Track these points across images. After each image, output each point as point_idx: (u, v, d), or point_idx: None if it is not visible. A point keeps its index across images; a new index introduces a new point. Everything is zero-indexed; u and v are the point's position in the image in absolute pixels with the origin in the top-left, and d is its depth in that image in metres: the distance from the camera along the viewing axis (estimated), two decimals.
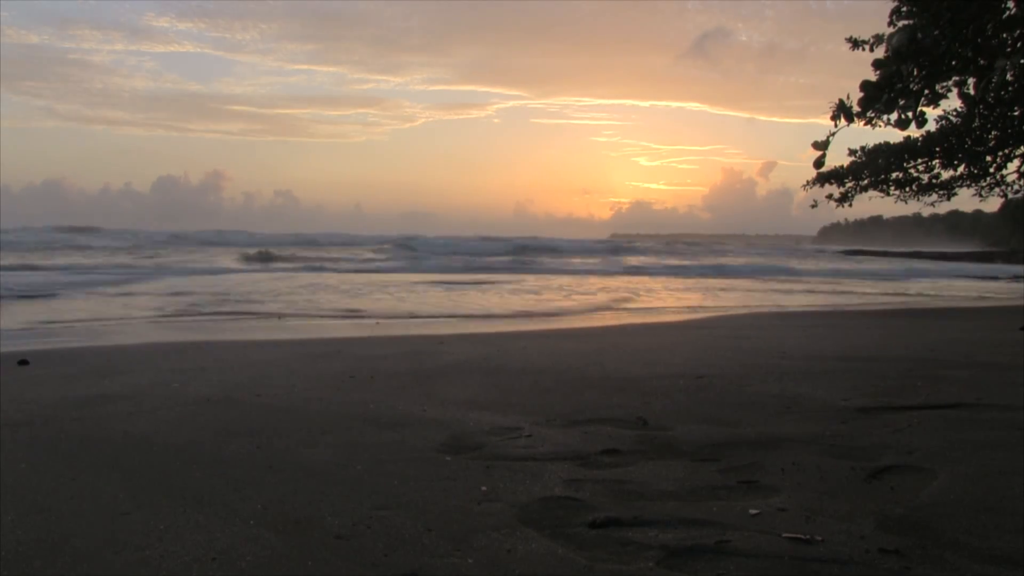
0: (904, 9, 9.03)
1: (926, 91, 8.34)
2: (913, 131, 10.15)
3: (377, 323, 11.21)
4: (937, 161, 12.62)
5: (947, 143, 11.88)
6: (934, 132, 11.74)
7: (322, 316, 12.26)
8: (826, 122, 7.93)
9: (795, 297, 19.00)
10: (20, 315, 11.41)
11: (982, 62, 7.82)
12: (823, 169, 10.69)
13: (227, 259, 31.40)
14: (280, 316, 11.93)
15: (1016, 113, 10.63)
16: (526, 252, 41.40)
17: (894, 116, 8.10)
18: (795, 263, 39.59)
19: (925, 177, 13.01)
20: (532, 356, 7.34)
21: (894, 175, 12.95)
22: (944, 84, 9.01)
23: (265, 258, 32.59)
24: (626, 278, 26.18)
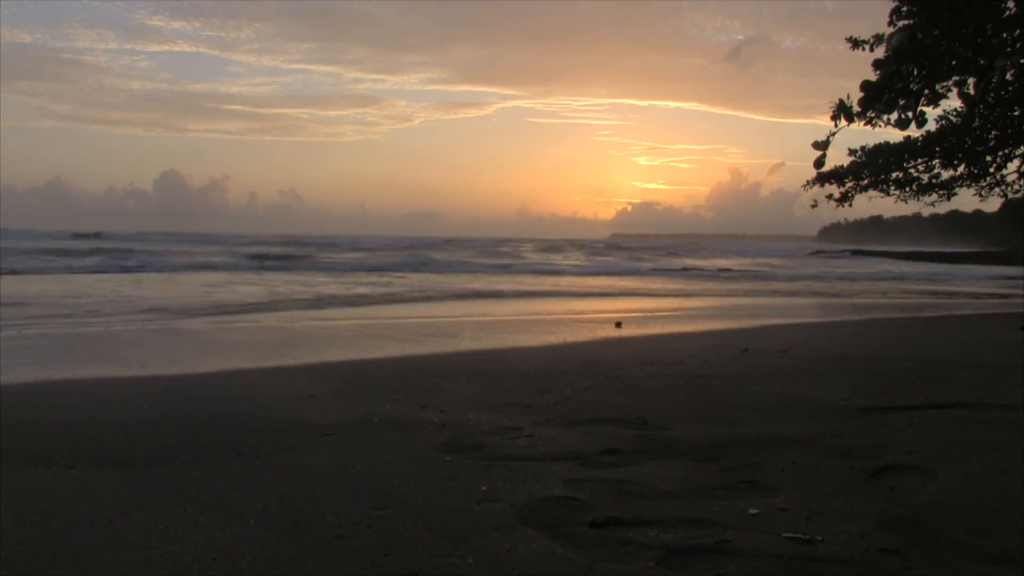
0: (904, 9, 9.01)
1: (926, 91, 8.32)
2: (913, 131, 10.12)
3: None
4: (937, 161, 12.56)
5: (947, 143, 11.83)
6: (934, 132, 11.68)
7: None
8: (826, 122, 7.91)
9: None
10: None
11: (982, 62, 7.81)
12: (823, 169, 10.65)
13: None
14: None
15: (1016, 113, 10.60)
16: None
17: (894, 116, 8.08)
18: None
19: (925, 177, 12.96)
20: (532, 356, 7.34)
21: (894, 175, 12.89)
22: (944, 84, 8.98)
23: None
24: None
